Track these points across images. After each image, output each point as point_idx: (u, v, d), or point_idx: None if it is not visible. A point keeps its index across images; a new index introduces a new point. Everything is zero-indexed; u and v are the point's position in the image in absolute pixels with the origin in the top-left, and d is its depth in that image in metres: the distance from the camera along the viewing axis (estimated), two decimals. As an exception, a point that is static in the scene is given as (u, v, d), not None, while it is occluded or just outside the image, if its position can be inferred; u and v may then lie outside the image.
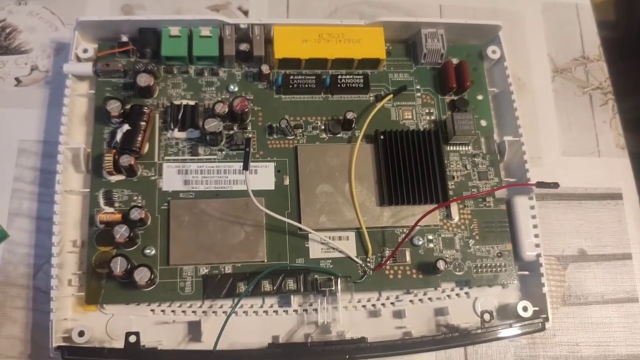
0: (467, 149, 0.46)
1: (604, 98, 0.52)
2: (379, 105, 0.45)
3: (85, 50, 0.43)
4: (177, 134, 0.43)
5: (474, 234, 0.44)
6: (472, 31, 0.48)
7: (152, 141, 0.43)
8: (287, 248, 0.42)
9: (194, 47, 0.44)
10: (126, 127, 0.41)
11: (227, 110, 0.43)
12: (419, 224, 0.42)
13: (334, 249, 0.42)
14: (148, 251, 0.40)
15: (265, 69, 0.44)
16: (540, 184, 0.44)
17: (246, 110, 0.43)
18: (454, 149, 0.46)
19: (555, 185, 0.44)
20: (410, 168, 0.44)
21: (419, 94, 0.47)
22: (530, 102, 0.50)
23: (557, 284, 0.46)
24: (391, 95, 0.46)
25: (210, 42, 0.44)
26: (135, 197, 0.42)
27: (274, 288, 0.41)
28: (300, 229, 0.42)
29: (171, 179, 0.42)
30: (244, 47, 0.44)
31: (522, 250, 0.44)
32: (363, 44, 0.46)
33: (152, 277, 0.39)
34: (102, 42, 0.45)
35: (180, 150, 0.43)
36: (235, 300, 0.40)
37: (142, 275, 0.38)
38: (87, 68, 0.43)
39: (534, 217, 0.44)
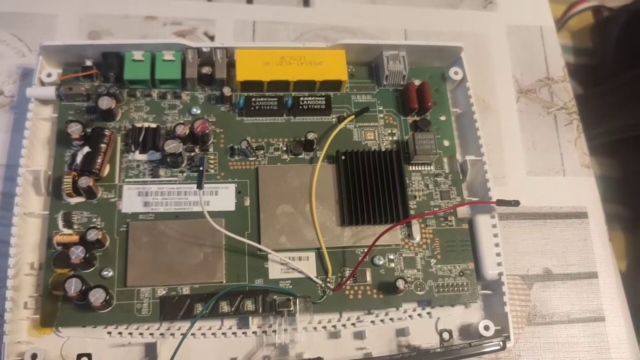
0: (429, 168, 0.46)
1: (568, 118, 0.52)
2: (340, 125, 0.46)
3: (49, 75, 0.44)
4: (138, 156, 0.44)
5: (435, 253, 0.44)
6: (434, 53, 0.48)
7: (113, 163, 0.43)
8: (246, 269, 0.42)
9: (157, 70, 0.44)
10: (86, 149, 0.42)
11: (187, 132, 0.43)
12: (380, 243, 0.42)
13: (293, 269, 0.42)
14: (105, 273, 0.40)
15: (227, 91, 0.45)
16: (500, 202, 0.44)
17: (207, 131, 0.43)
18: (416, 168, 0.46)
19: (516, 203, 0.44)
20: (371, 188, 0.44)
21: (381, 115, 0.48)
22: (494, 123, 0.51)
23: (522, 304, 0.46)
24: (353, 117, 0.46)
25: (172, 66, 0.45)
26: (95, 219, 0.42)
27: (232, 309, 0.40)
28: (260, 249, 0.42)
29: (131, 200, 0.42)
30: (206, 70, 0.45)
31: (484, 269, 0.43)
32: (325, 66, 0.46)
33: (108, 298, 0.38)
34: (67, 66, 0.45)
35: (141, 172, 0.43)
36: (194, 324, 0.40)
37: (97, 297, 0.38)
38: (50, 92, 0.43)
39: (495, 235, 0.44)
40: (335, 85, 0.47)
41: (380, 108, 0.48)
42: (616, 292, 0.47)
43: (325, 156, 0.45)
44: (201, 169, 0.39)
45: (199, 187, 0.39)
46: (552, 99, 0.53)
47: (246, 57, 0.45)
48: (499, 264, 0.43)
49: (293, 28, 0.52)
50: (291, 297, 0.41)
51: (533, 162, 0.50)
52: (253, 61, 0.45)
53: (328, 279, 0.42)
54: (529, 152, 0.51)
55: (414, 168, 0.46)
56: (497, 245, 0.44)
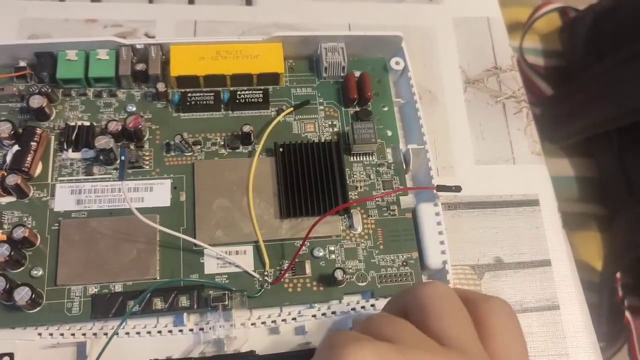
0: (371, 159, 0.45)
1: (517, 106, 0.52)
2: (279, 117, 0.45)
3: (-19, 77, 0.44)
4: (72, 154, 0.43)
5: (378, 243, 0.43)
6: (374, 44, 0.48)
7: (46, 163, 0.43)
8: (181, 265, 0.41)
9: (90, 68, 0.44)
10: (16, 147, 0.41)
11: (120, 128, 0.42)
12: (320, 235, 0.42)
13: (230, 263, 0.41)
14: (35, 272, 0.39)
15: (160, 86, 0.44)
16: (440, 188, 0.43)
17: (140, 127, 0.43)
18: (358, 159, 0.45)
19: (457, 188, 0.43)
20: (310, 179, 0.43)
21: (322, 107, 0.47)
22: (442, 114, 0.50)
23: (472, 294, 0.45)
24: (292, 109, 0.46)
25: (106, 64, 0.44)
26: (26, 219, 0.41)
27: (166, 306, 0.39)
28: (195, 244, 0.41)
29: (64, 199, 0.42)
30: (140, 67, 0.45)
31: (428, 258, 0.42)
32: (261, 59, 0.46)
33: (33, 296, 0.37)
34: (2, 68, 0.45)
35: (74, 170, 0.43)
36: (124, 321, 0.39)
37: (22, 295, 0.37)
38: (-19, 93, 0.43)
39: (439, 223, 0.43)
40: (273, 78, 0.46)
41: (321, 100, 0.47)
42: (571, 280, 0.46)
43: (264, 149, 0.44)
44: (122, 158, 0.39)
45: (120, 178, 0.38)
46: (501, 88, 0.52)
47: (181, 53, 0.45)
48: (443, 252, 0.42)
49: (235, 27, 0.52)
50: (227, 292, 0.40)
51: (482, 151, 0.49)
52: (188, 57, 0.45)
53: (266, 273, 0.41)
54: (477, 142, 0.50)
55: (355, 159, 0.45)
56: (440, 233, 0.43)
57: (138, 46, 0.45)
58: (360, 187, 0.44)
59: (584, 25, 0.80)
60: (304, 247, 0.42)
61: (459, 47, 0.53)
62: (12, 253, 0.38)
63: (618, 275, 0.67)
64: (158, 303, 0.39)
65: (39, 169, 0.42)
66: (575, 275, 0.46)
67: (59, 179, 0.42)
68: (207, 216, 0.42)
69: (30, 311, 0.38)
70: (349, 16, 0.54)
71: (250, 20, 0.52)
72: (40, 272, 0.39)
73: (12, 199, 0.41)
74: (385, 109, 0.47)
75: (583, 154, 0.77)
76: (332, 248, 0.42)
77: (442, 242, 0.42)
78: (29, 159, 0.41)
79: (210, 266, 0.41)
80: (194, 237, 0.41)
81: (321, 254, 0.42)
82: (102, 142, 0.41)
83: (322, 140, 0.45)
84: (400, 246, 0.43)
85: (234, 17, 0.52)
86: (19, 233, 0.39)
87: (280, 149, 0.44)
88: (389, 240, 0.43)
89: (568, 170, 0.74)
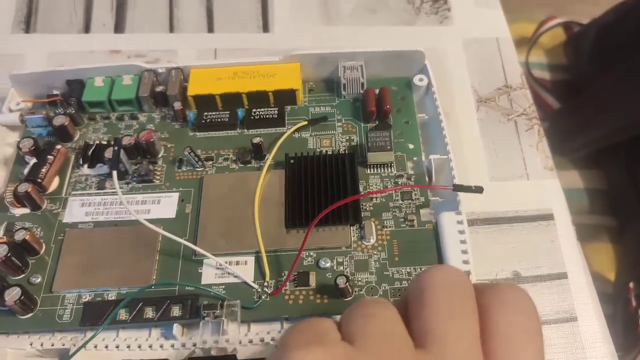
0: (389, 170, 0.42)
1: (529, 123, 0.50)
2: (292, 129, 0.44)
3: (17, 104, 0.47)
4: (87, 170, 0.43)
5: (392, 255, 0.38)
6: (395, 62, 0.46)
7: (62, 179, 0.43)
8: (178, 274, 0.38)
9: (113, 92, 0.46)
10: (34, 160, 0.43)
11: (133, 142, 0.43)
12: (327, 245, 0.39)
13: (229, 274, 0.38)
14: (34, 279, 0.39)
15: (177, 105, 0.45)
16: (458, 188, 0.38)
17: (152, 140, 0.43)
18: (374, 171, 0.42)
19: (478, 189, 0.38)
20: (320, 189, 0.40)
21: (340, 124, 0.45)
22: (455, 133, 0.48)
23: (495, 310, 0.39)
24: (305, 123, 0.44)
25: (129, 88, 0.46)
26: (35, 229, 0.41)
27: (157, 315, 0.37)
28: (195, 254, 0.39)
29: (74, 211, 0.42)
30: (160, 88, 0.46)
31: (449, 270, 0.37)
32: (278, 77, 0.45)
33: (22, 298, 0.36)
34: (36, 98, 0.48)
35: (88, 185, 0.43)
36: (102, 329, 0.37)
37: (12, 295, 0.36)
38: (14, 117, 0.46)
39: (461, 232, 0.38)
40: (290, 96, 0.45)
41: (339, 117, 0.45)
42: (587, 291, 0.42)
43: (275, 163, 0.43)
44: (116, 148, 0.38)
45: (114, 168, 0.38)
46: (512, 106, 0.51)
47: (199, 76, 0.46)
48: (466, 262, 0.37)
49: (253, 53, 0.53)
50: (220, 301, 0.37)
51: (496, 168, 0.47)
52: (205, 78, 0.46)
53: (265, 284, 0.38)
54: (491, 159, 0.48)
55: (371, 170, 0.42)
56: (463, 242, 0.38)
57: (160, 70, 0.46)
58: (377, 198, 0.41)
59: (588, 39, 0.80)
60: (310, 257, 0.39)
61: (470, 67, 0.53)
62: (9, 254, 0.37)
63: (631, 285, 0.64)
64: (149, 312, 0.37)
65: (55, 184, 0.43)
66: (592, 287, 0.43)
67: (72, 192, 0.43)
68: (211, 225, 0.40)
69: (22, 317, 0.37)
70: (362, 40, 0.54)
71: (267, 47, 0.54)
72: (39, 279, 0.39)
73: (27, 210, 0.42)
74: (408, 123, 0.45)
75: (592, 165, 0.76)
76: (341, 259, 0.38)
77: (464, 252, 0.37)
78: (43, 170, 0.42)
79: (208, 276, 0.38)
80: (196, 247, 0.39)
81: (328, 265, 0.38)
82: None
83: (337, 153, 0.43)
84: (419, 258, 0.38)
85: (253, 44, 0.54)
86: (19, 235, 0.38)
87: (291, 160, 0.42)
88: (405, 252, 0.38)
89: (578, 182, 0.73)
